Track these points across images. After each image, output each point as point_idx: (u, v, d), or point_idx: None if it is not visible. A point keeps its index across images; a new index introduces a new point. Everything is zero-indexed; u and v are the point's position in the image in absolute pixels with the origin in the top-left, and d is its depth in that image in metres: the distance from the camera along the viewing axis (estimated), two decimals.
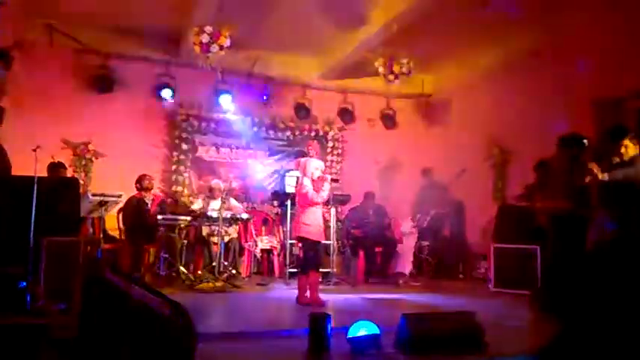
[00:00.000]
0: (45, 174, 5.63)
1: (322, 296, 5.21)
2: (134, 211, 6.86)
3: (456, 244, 8.32)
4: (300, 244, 5.49)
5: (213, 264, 6.48)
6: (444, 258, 7.99)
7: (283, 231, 7.65)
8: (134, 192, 7.04)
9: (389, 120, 9.24)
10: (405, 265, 7.69)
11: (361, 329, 3.08)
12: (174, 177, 8.21)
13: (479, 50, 7.75)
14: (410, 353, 3.04)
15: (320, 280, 5.55)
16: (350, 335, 3.08)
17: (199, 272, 6.71)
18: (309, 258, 5.21)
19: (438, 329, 3.17)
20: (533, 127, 6.92)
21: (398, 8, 6.52)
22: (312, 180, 5.21)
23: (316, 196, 5.14)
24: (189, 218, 6.83)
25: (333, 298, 5.48)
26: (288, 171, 8.20)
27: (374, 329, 3.09)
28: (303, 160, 5.47)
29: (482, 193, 8.10)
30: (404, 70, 7.59)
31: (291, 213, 6.78)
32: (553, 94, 6.93)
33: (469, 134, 8.47)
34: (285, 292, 6.11)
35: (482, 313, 3.49)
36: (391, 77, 7.62)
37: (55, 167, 6.15)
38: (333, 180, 5.36)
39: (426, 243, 7.76)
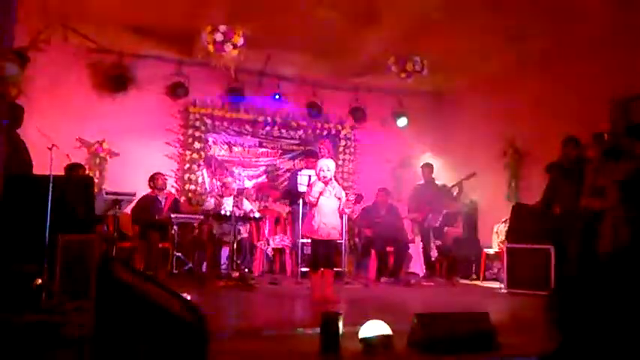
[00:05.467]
0: (60, 172, 5.69)
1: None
2: (147, 209, 6.92)
3: (469, 243, 8.27)
4: (310, 243, 5.57)
5: (226, 262, 6.51)
6: (457, 258, 7.94)
7: (295, 230, 7.66)
8: (148, 190, 7.09)
9: (401, 118, 9.21)
10: (418, 265, 7.66)
11: (373, 329, 3.07)
12: (187, 175, 8.25)
13: (493, 49, 7.68)
14: (422, 353, 3.03)
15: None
16: (362, 335, 3.08)
17: (212, 270, 6.75)
18: (317, 256, 5.26)
19: (451, 329, 3.15)
20: (547, 127, 6.86)
21: (412, 5, 6.48)
22: (319, 179, 5.28)
23: (308, 196, 5.26)
24: (202, 217, 6.86)
25: (344, 297, 5.47)
26: (301, 170, 8.20)
27: (386, 329, 3.08)
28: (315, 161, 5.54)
29: (496, 193, 8.05)
30: (417, 68, 7.55)
31: (303, 212, 6.79)
32: (568, 93, 6.87)
33: (482, 133, 8.41)
34: (297, 291, 6.12)
35: (496, 313, 3.47)
36: (404, 76, 7.59)
37: (74, 168, 6.20)
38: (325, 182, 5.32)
39: (437, 242, 7.71)
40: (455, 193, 7.84)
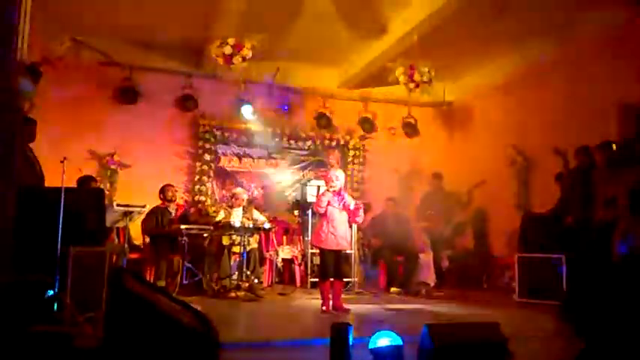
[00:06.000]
0: (72, 184, 5.74)
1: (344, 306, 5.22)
2: (158, 221, 6.96)
3: (480, 253, 8.22)
4: (319, 253, 5.60)
5: (235, 273, 6.52)
6: (467, 267, 7.90)
7: (304, 240, 7.66)
8: (158, 202, 7.13)
9: (410, 128, 9.21)
10: (428, 274, 7.61)
11: (383, 339, 3.06)
12: (197, 187, 8.31)
13: (500, 57, 7.70)
14: None
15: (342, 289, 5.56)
16: (372, 346, 3.07)
17: (222, 281, 6.75)
18: (326, 266, 5.27)
19: (462, 340, 3.13)
20: (556, 135, 6.84)
21: (418, 17, 6.53)
22: (328, 191, 5.31)
23: (316, 206, 5.32)
24: (212, 228, 6.89)
25: (354, 307, 5.46)
26: (310, 180, 8.22)
27: (396, 340, 3.07)
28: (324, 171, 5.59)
29: (506, 202, 8.01)
30: (425, 78, 7.55)
31: (312, 222, 6.79)
32: (576, 99, 6.84)
33: (491, 142, 8.40)
34: (307, 301, 6.12)
35: (507, 323, 3.44)
36: (412, 86, 7.60)
37: (86, 181, 6.25)
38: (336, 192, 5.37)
39: (448, 252, 7.68)
40: (464, 202, 7.84)
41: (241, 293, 6.17)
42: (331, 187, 5.30)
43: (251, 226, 6.61)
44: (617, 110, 6.40)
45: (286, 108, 8.76)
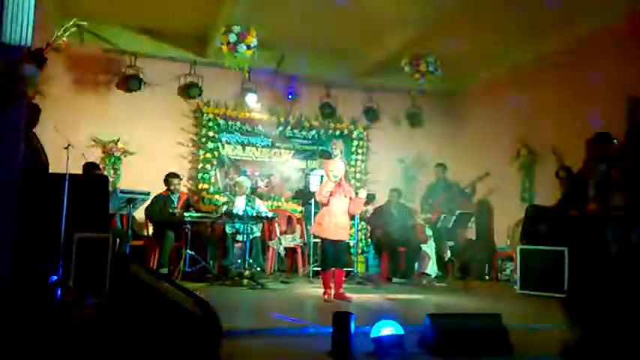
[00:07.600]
0: (75, 171, 5.75)
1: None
2: (161, 208, 6.98)
3: (483, 244, 8.22)
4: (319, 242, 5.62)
5: (238, 261, 6.55)
6: (470, 259, 7.90)
7: (307, 229, 7.67)
8: (161, 189, 7.15)
9: (414, 118, 9.18)
10: (430, 265, 7.63)
11: (385, 329, 3.07)
12: (200, 175, 8.31)
13: (507, 48, 7.64)
14: (434, 354, 3.02)
15: (344, 278, 5.57)
16: (374, 335, 3.08)
17: (224, 269, 6.79)
18: (327, 255, 5.28)
19: (463, 330, 3.14)
20: (562, 127, 6.80)
21: (426, 7, 6.47)
22: (329, 180, 5.31)
23: (318, 195, 5.30)
24: (214, 216, 6.90)
25: (356, 297, 5.47)
26: (313, 170, 8.22)
27: (398, 329, 3.08)
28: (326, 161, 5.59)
29: (510, 194, 7.99)
30: (430, 68, 7.54)
31: (314, 212, 6.80)
32: (583, 91, 6.80)
33: (496, 133, 8.36)
34: (309, 290, 6.14)
35: (508, 314, 3.45)
36: (417, 76, 7.58)
37: (90, 167, 6.27)
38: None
39: (450, 243, 7.68)
40: (468, 193, 7.82)
41: (244, 281, 6.20)
42: (333, 177, 5.29)
43: (254, 214, 6.62)
44: (624, 104, 6.35)
45: (290, 97, 8.74)
